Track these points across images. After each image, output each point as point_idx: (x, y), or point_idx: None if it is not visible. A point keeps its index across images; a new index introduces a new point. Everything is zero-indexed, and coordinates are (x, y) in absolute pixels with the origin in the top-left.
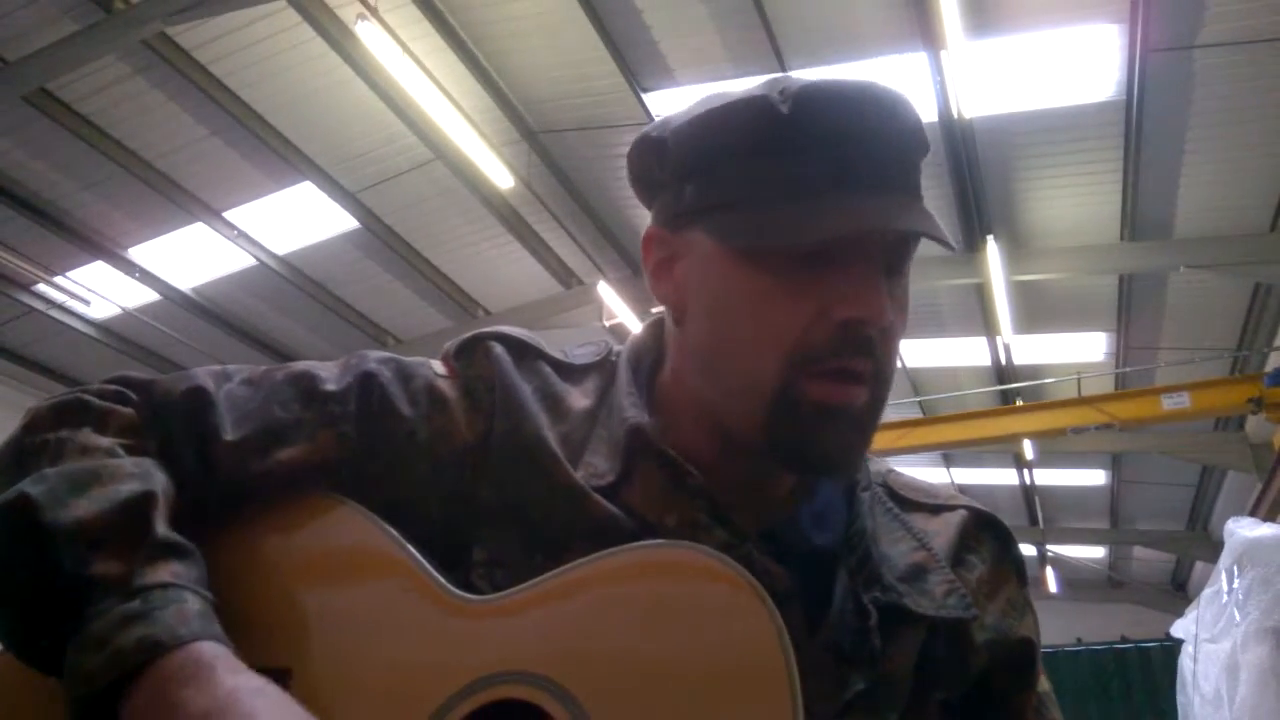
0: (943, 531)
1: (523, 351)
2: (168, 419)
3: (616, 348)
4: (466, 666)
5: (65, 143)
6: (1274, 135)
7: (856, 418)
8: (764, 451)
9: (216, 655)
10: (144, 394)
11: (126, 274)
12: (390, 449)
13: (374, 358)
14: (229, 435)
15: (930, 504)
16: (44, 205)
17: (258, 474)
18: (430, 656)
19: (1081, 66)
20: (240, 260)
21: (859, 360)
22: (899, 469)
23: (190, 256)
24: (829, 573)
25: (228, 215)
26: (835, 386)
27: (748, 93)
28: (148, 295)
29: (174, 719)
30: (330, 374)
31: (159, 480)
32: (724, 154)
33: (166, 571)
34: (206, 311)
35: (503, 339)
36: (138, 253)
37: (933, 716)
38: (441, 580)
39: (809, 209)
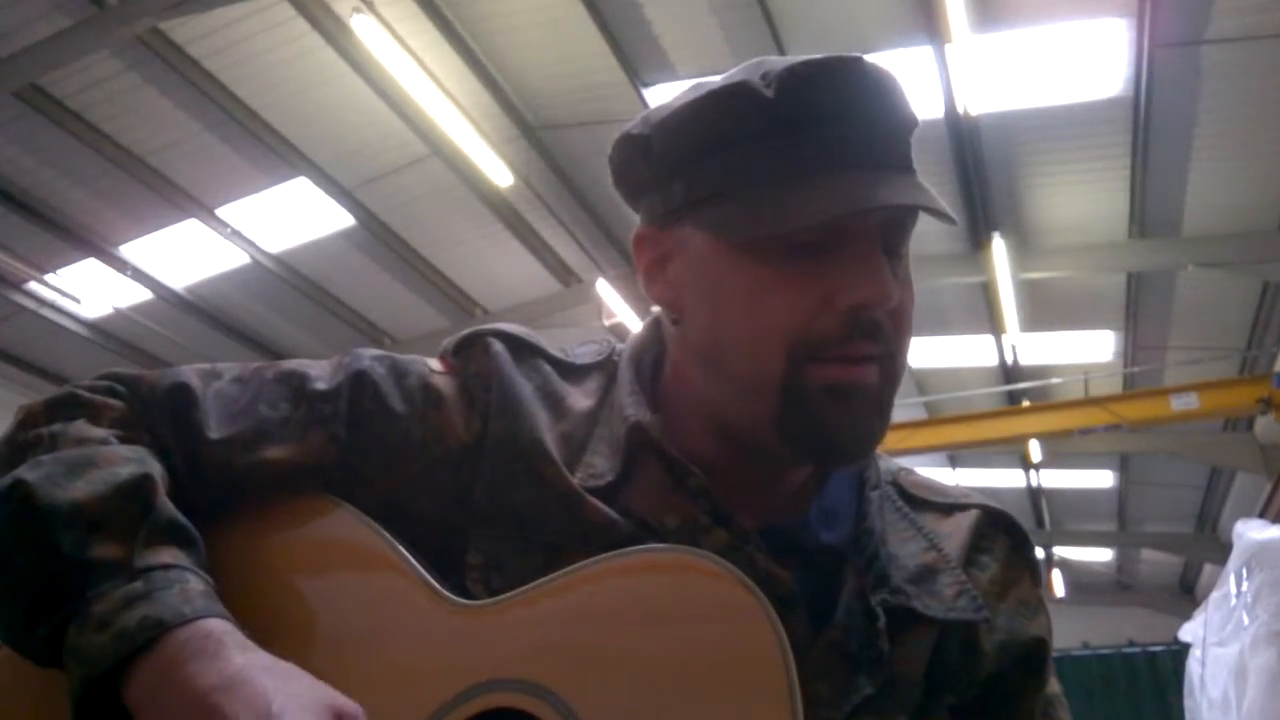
0: (954, 533)
1: (523, 349)
2: (153, 415)
3: (619, 347)
4: (462, 672)
5: (56, 139)
6: None
7: (871, 396)
8: (775, 446)
9: (225, 631)
10: (132, 389)
11: (118, 272)
12: (382, 449)
13: (368, 355)
14: (213, 434)
15: (942, 503)
16: (34, 202)
17: (242, 472)
18: (425, 661)
19: (1089, 62)
20: (234, 258)
21: (867, 344)
22: (910, 467)
23: (183, 254)
24: (836, 573)
25: (221, 212)
26: (843, 368)
27: (729, 79)
28: (140, 294)
29: (182, 693)
30: (322, 372)
31: (155, 466)
32: (710, 145)
33: (167, 554)
34: (199, 310)
35: (503, 336)
36: (129, 250)
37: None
38: (435, 584)
39: (800, 193)
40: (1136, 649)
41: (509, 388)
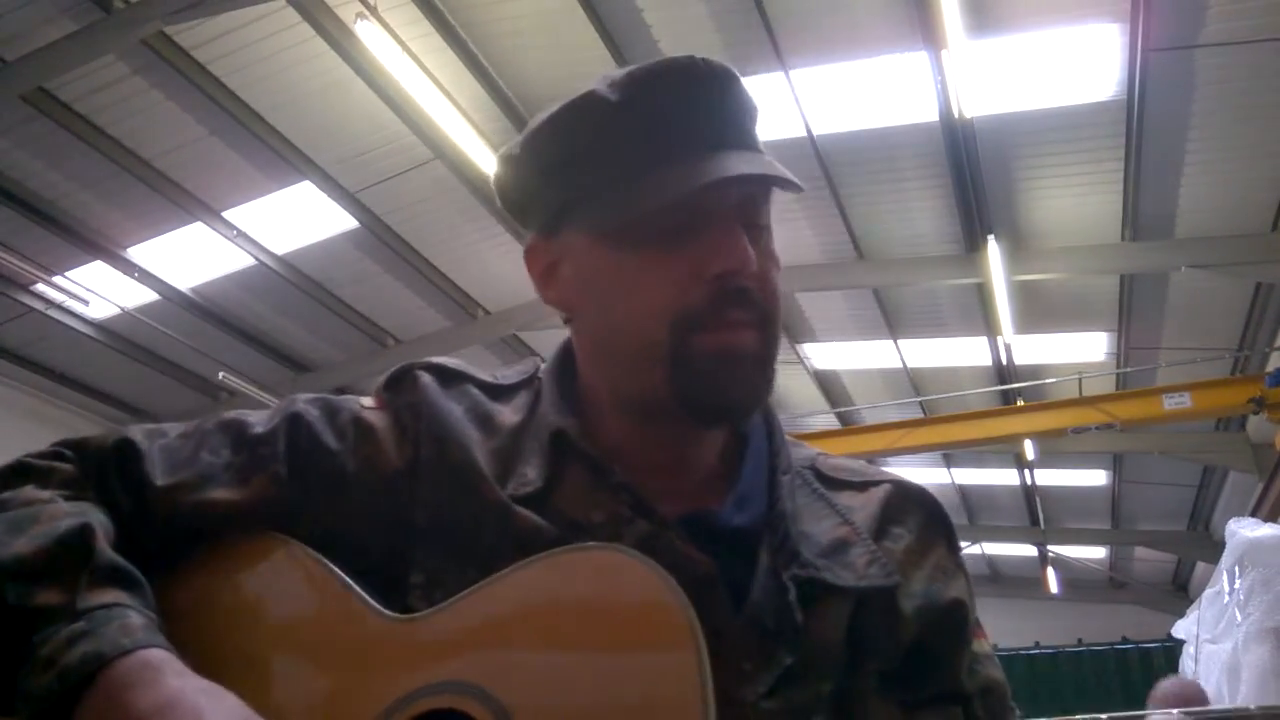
0: (865, 506)
1: (451, 377)
2: (101, 470)
3: (544, 365)
4: (398, 680)
5: (64, 142)
6: (1275, 135)
7: (753, 358)
8: (674, 408)
9: (162, 660)
10: (79, 451)
11: (126, 274)
12: (321, 484)
13: (303, 399)
14: (159, 481)
15: (858, 481)
16: (43, 205)
17: (190, 515)
18: (364, 674)
19: (1082, 66)
20: (239, 260)
21: (739, 311)
22: (829, 453)
23: (189, 256)
24: (753, 554)
25: (227, 215)
26: (723, 334)
27: (579, 93)
28: (147, 295)
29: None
30: (260, 419)
31: (97, 517)
32: (572, 153)
33: (109, 594)
34: (206, 311)
35: (430, 368)
36: (137, 252)
37: (871, 687)
38: (375, 605)
39: (655, 179)
40: (1130, 646)
41: (438, 413)
